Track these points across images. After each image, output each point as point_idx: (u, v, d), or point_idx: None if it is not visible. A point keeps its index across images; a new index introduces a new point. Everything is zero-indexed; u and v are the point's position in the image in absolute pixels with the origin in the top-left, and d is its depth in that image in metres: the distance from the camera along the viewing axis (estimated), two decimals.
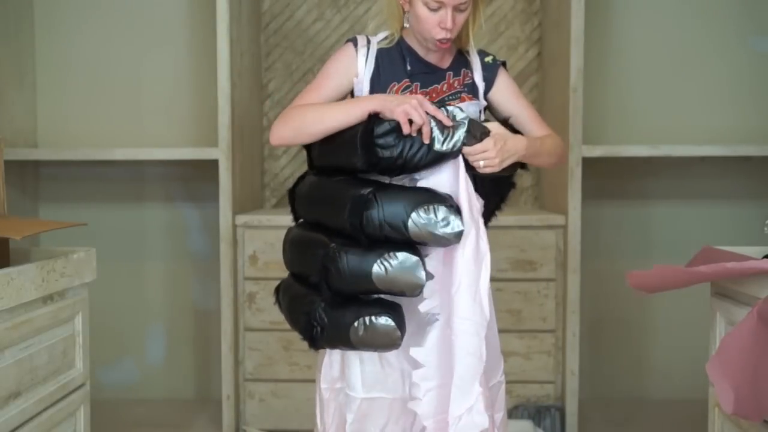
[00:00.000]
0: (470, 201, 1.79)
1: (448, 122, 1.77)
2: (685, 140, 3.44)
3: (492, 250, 3.06)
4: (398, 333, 1.78)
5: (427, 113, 1.77)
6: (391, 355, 1.88)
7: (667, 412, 3.38)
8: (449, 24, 1.83)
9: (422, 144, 1.76)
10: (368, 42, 1.94)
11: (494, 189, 1.96)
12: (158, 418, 3.36)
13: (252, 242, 3.13)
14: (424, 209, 1.74)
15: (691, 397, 3.28)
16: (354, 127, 1.81)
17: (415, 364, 1.81)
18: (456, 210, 1.76)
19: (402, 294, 1.78)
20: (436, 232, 1.74)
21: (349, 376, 1.90)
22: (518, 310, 3.14)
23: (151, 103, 3.56)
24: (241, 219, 3.13)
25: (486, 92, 1.98)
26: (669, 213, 3.54)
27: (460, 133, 1.78)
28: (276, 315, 2.40)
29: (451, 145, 1.77)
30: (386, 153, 1.76)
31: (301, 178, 2.00)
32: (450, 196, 1.79)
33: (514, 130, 1.93)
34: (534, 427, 3.07)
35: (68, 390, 2.10)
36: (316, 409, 2.03)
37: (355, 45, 1.93)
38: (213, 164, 3.17)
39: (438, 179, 1.81)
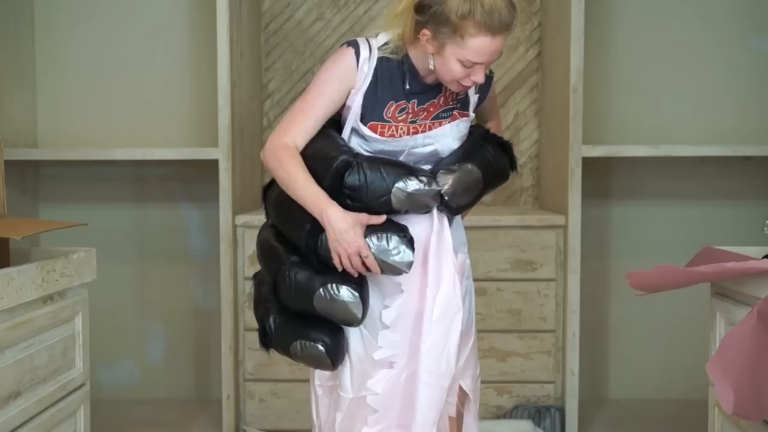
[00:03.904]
0: (442, 253, 1.85)
1: (377, 270, 1.79)
2: (685, 140, 3.43)
3: (492, 250, 3.10)
4: (329, 361, 1.86)
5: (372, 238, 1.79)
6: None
7: (667, 412, 3.38)
8: (481, 78, 1.81)
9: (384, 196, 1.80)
10: (370, 51, 1.87)
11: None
12: (158, 418, 3.36)
13: (252, 242, 3.12)
14: (377, 236, 1.79)
15: (691, 397, 3.27)
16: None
17: (371, 409, 1.88)
18: (409, 241, 1.80)
19: (340, 322, 1.86)
20: (387, 260, 1.78)
21: (341, 377, 1.93)
22: (518, 310, 3.14)
23: (151, 103, 3.56)
24: (241, 219, 3.13)
25: (477, 105, 1.99)
26: (669, 213, 3.54)
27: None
28: None
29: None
30: (348, 202, 1.80)
31: (275, 179, 1.98)
32: (405, 227, 1.83)
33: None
34: (534, 427, 3.06)
35: (68, 390, 2.10)
36: (311, 406, 2.06)
37: (357, 54, 1.86)
38: (213, 164, 3.17)
39: (408, 219, 1.87)
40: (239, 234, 3.14)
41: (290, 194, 1.84)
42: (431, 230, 1.87)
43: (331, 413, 1.98)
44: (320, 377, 2.00)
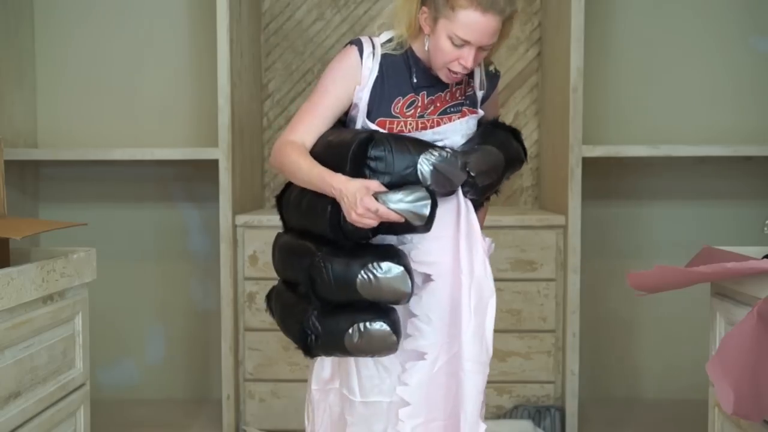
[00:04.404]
0: (472, 238, 1.82)
1: (395, 218, 1.70)
2: (685, 140, 3.44)
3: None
4: (394, 338, 1.78)
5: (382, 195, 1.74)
6: (386, 359, 1.87)
7: (667, 412, 3.38)
8: (470, 63, 1.79)
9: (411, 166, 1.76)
10: (373, 47, 1.87)
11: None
12: (158, 418, 3.36)
13: (252, 242, 3.13)
14: (401, 189, 1.73)
15: (691, 397, 3.28)
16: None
17: (402, 402, 1.84)
18: (433, 198, 1.73)
19: (389, 302, 1.79)
20: (411, 208, 1.69)
21: (348, 380, 1.90)
22: (518, 310, 3.14)
23: (150, 103, 3.56)
24: (241, 219, 3.13)
25: (482, 101, 1.98)
26: (669, 213, 3.54)
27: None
28: None
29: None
30: (371, 175, 1.76)
31: (289, 184, 1.97)
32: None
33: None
34: (534, 427, 3.06)
35: (68, 390, 2.10)
36: (305, 410, 2.03)
37: (361, 51, 1.86)
38: (213, 164, 3.17)
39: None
40: (239, 234, 3.14)
41: (298, 183, 1.83)
42: (458, 215, 1.84)
43: (327, 417, 1.96)
44: (317, 380, 1.96)
